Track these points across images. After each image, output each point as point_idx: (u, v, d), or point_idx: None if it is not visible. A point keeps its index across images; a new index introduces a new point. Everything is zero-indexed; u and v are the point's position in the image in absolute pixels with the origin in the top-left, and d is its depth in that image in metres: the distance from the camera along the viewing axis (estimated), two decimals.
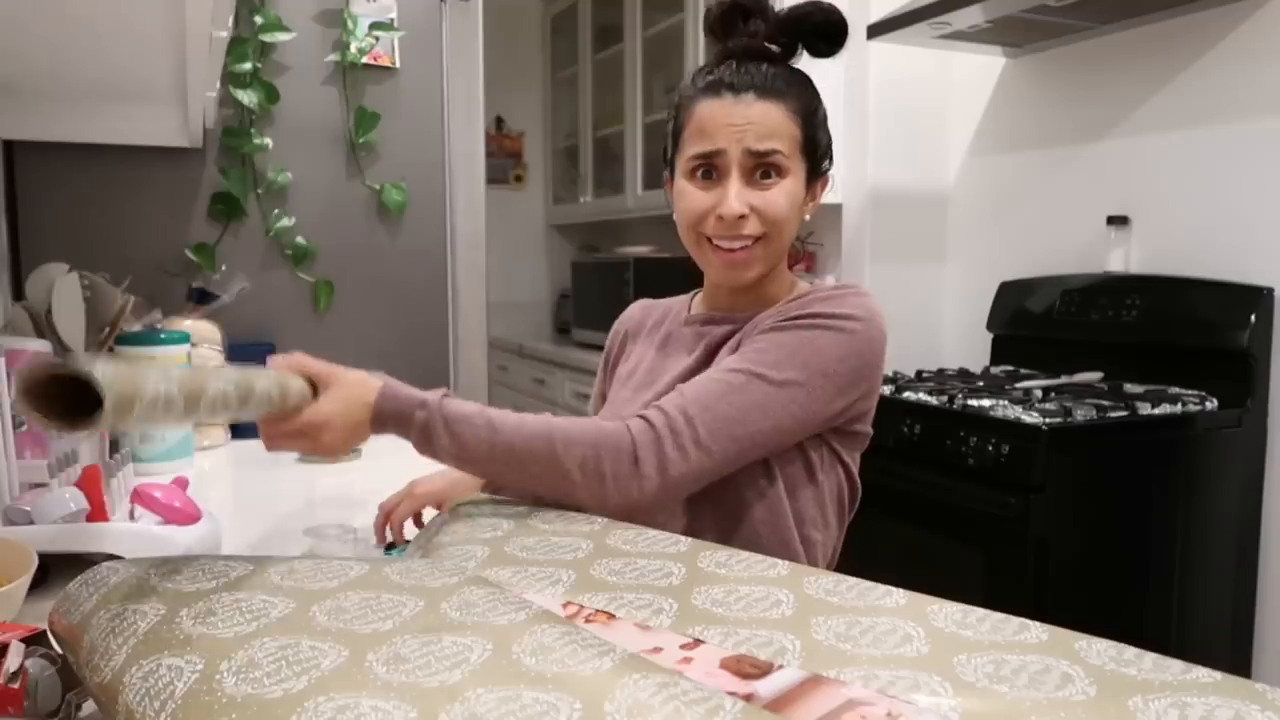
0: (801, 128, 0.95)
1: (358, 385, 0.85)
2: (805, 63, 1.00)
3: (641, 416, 0.86)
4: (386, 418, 0.85)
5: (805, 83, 0.97)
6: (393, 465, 1.57)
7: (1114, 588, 1.67)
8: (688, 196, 0.96)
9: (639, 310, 1.17)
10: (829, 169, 1.01)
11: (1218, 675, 0.51)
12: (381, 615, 0.56)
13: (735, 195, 0.93)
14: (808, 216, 1.01)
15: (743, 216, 0.93)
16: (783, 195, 0.94)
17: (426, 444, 0.85)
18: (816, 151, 0.98)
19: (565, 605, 0.63)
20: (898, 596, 0.64)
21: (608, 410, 1.09)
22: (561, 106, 4.24)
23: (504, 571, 0.70)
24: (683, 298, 1.13)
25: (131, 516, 0.98)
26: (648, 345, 1.10)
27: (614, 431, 0.85)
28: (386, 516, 1.11)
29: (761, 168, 0.93)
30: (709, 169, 0.95)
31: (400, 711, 0.46)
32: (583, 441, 0.84)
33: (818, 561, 0.97)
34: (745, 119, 0.93)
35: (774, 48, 0.97)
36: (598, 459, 0.83)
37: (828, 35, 0.97)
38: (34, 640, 0.62)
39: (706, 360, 0.99)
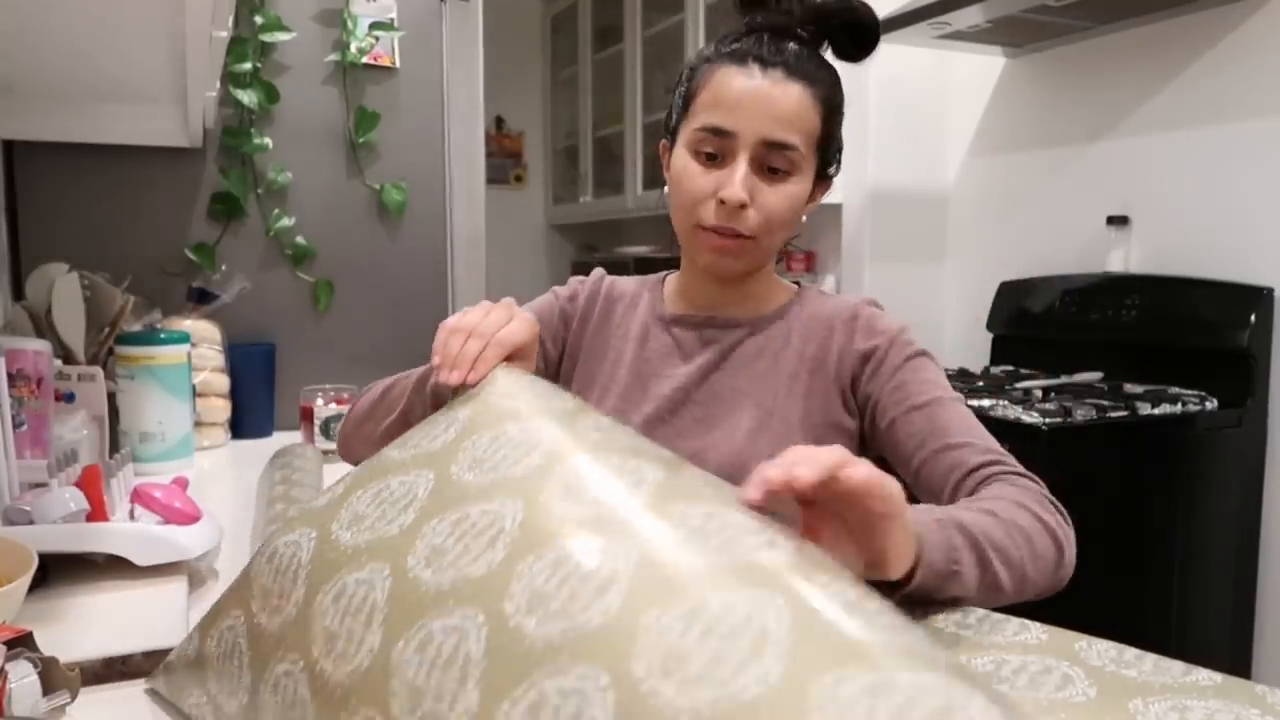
0: (822, 120, 0.89)
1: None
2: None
3: (1015, 472, 0.82)
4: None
5: (833, 73, 0.91)
6: None
7: (1114, 588, 1.67)
8: (688, 177, 0.89)
9: (602, 299, 1.04)
10: (835, 173, 0.96)
11: (1218, 678, 0.51)
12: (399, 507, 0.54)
13: (741, 180, 0.86)
14: (804, 218, 0.96)
15: (744, 206, 0.87)
16: (787, 197, 0.88)
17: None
18: (830, 150, 0.92)
19: None
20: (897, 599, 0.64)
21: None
22: (561, 106, 4.24)
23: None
24: (650, 279, 1.05)
25: (131, 516, 0.98)
26: (620, 338, 1.01)
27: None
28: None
29: (772, 160, 0.87)
30: (715, 151, 0.88)
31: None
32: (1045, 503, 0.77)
33: None
34: (769, 98, 0.85)
35: (802, 33, 0.91)
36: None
37: (855, 37, 0.90)
38: (19, 643, 0.62)
39: (715, 365, 0.94)
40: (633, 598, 0.39)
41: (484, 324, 0.72)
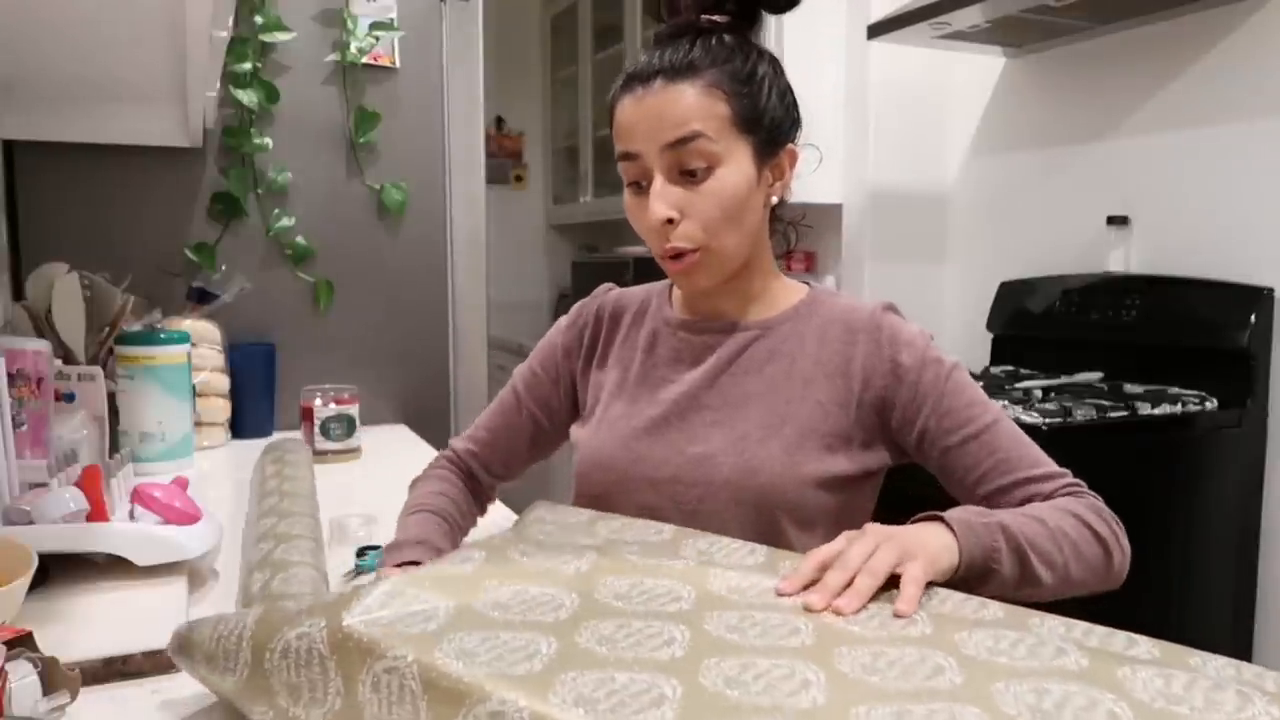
0: (729, 100, 0.84)
1: None
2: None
3: (1075, 486, 0.87)
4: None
5: (736, 48, 0.86)
6: (390, 463, 1.57)
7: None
8: (630, 214, 0.90)
9: (608, 316, 1.03)
10: (793, 136, 0.90)
11: None
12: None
13: (658, 197, 0.84)
14: (776, 199, 0.91)
15: (670, 220, 0.85)
16: (717, 193, 0.84)
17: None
18: (761, 121, 0.86)
19: None
20: (995, 609, 0.63)
21: (599, 433, 0.95)
22: (561, 106, 4.24)
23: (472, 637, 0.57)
24: (658, 286, 1.03)
25: (131, 516, 0.98)
26: (628, 348, 1.00)
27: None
28: None
29: (685, 161, 0.84)
30: (637, 179, 0.87)
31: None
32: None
33: None
34: (654, 108, 0.84)
35: (719, 18, 0.88)
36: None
37: None
38: (19, 643, 0.62)
39: (724, 368, 0.92)
40: None
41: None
